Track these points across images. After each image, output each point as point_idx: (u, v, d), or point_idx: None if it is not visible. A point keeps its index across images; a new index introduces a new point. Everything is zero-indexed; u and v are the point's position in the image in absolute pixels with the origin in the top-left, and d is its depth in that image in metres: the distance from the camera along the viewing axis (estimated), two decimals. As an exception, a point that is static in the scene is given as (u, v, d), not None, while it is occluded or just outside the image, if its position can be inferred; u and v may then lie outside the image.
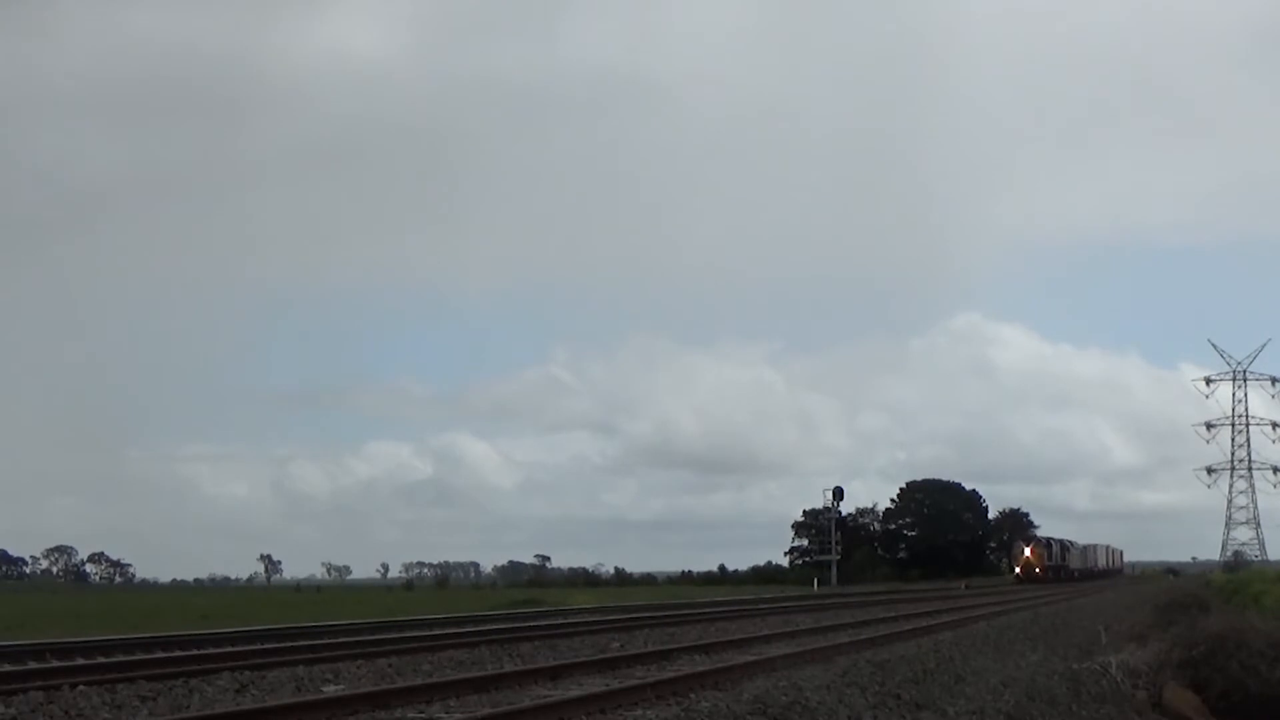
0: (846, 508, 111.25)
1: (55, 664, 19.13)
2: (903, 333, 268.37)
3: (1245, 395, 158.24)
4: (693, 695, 14.95)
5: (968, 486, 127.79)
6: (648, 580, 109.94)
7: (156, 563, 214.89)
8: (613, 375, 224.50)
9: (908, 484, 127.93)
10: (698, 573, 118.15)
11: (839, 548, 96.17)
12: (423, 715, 13.41)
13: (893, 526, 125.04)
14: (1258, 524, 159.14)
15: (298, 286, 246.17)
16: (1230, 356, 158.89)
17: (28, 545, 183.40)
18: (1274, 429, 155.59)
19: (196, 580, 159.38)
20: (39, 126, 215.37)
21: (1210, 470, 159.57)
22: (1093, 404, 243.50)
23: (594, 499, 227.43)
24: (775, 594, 63.07)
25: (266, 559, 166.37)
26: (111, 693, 14.97)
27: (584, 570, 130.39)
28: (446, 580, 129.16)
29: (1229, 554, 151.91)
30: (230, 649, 21.70)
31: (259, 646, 22.52)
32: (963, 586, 79.38)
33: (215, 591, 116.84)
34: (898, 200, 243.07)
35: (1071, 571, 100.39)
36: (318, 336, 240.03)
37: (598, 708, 13.63)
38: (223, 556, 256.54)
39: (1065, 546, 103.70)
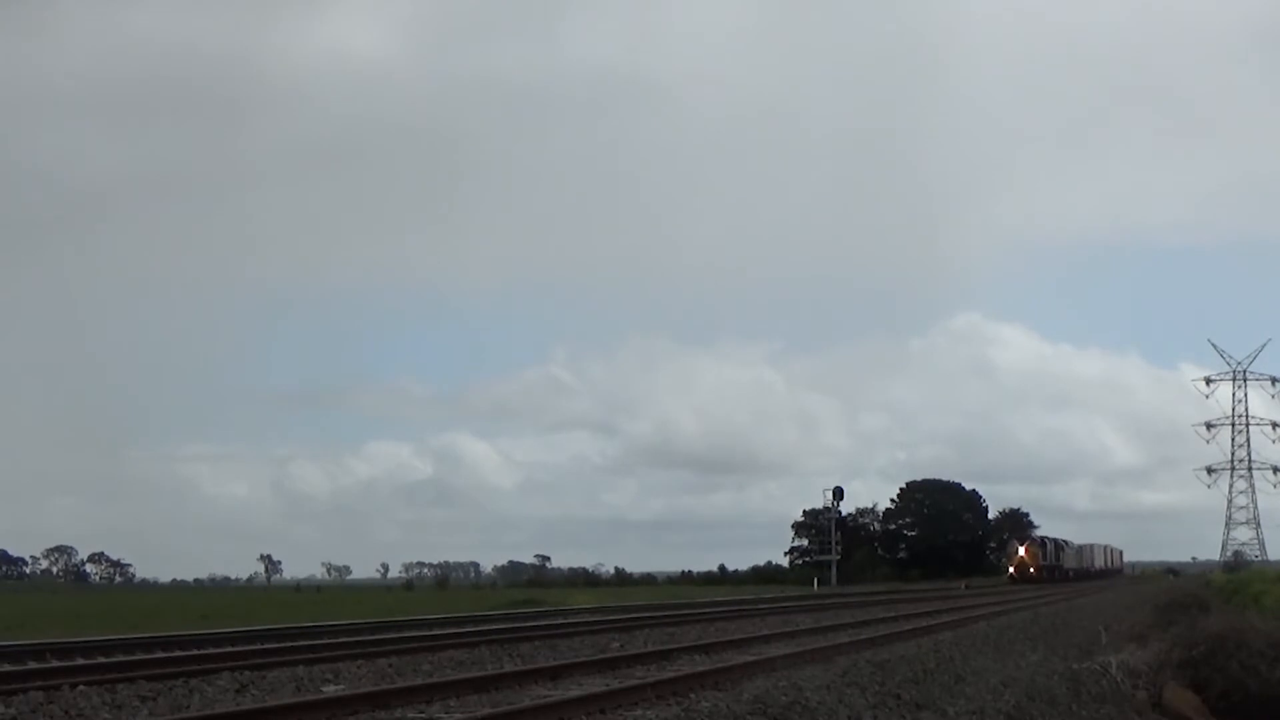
0: (846, 508, 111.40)
1: (55, 664, 19.13)
2: (903, 333, 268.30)
3: (1245, 395, 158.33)
4: (693, 695, 14.95)
5: (968, 486, 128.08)
6: (648, 580, 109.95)
7: (156, 563, 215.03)
8: (613, 375, 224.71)
9: (908, 484, 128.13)
10: (698, 573, 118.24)
11: (839, 548, 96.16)
12: (423, 715, 13.41)
13: (893, 526, 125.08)
14: (1258, 524, 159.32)
15: (298, 286, 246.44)
16: (1230, 356, 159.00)
17: (28, 545, 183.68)
18: (1274, 429, 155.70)
19: (196, 580, 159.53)
20: (39, 126, 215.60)
21: (1210, 470, 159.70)
22: (1093, 404, 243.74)
23: (594, 499, 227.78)
24: (775, 594, 63.07)
25: (266, 559, 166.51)
26: (111, 693, 14.97)
27: (584, 570, 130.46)
28: (446, 580, 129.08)
29: (1229, 554, 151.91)
30: (230, 649, 21.70)
31: (259, 646, 22.51)
32: (963, 587, 79.41)
33: (215, 591, 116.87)
34: (898, 200, 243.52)
35: (1066, 572, 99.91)
36: (318, 336, 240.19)
37: (598, 708, 13.62)
38: (223, 556, 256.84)
39: (1060, 546, 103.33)
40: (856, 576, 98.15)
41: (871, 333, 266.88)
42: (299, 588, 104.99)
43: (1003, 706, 15.54)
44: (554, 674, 17.04)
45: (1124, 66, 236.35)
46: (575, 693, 14.63)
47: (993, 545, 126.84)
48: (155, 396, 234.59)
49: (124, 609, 48.90)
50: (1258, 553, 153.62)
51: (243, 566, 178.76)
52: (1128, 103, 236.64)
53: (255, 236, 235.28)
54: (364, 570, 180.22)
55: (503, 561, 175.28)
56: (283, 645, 22.62)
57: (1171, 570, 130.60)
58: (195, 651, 20.98)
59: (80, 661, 19.65)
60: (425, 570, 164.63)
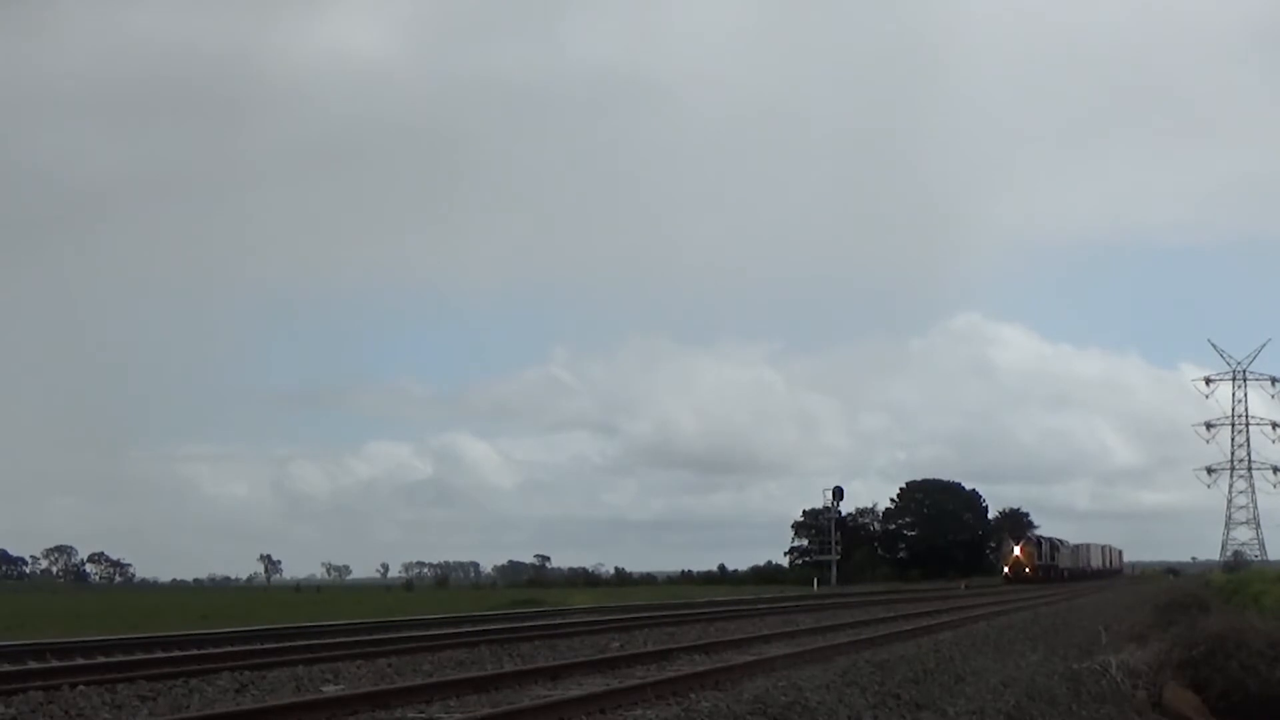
0: (846, 508, 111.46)
1: (55, 664, 19.13)
2: (903, 333, 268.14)
3: (1245, 395, 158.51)
4: (693, 695, 14.95)
5: (968, 486, 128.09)
6: (648, 580, 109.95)
7: (156, 563, 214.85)
8: (613, 375, 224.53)
9: (908, 484, 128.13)
10: (698, 573, 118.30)
11: (839, 548, 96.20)
12: (423, 715, 13.41)
13: (893, 526, 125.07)
14: (1258, 524, 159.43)
15: (298, 286, 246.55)
16: (1230, 356, 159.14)
17: (28, 545, 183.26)
18: (1274, 429, 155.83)
19: (196, 580, 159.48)
20: (39, 126, 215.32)
21: (1210, 470, 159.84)
22: (1093, 404, 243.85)
23: (594, 499, 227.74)
24: (775, 594, 63.07)
25: (266, 559, 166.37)
26: (111, 693, 14.97)
27: (584, 570, 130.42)
28: (446, 580, 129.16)
29: (1229, 554, 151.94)
30: (230, 649, 21.70)
31: (259, 646, 22.52)
32: (962, 586, 79.41)
33: (215, 591, 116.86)
34: (898, 200, 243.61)
35: (1061, 571, 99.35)
36: (318, 336, 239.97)
37: (598, 708, 13.62)
38: (223, 556, 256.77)
39: (1055, 545, 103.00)
40: (856, 576, 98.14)
41: (871, 333, 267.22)
42: (299, 588, 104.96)
43: (1003, 706, 15.53)
44: (554, 674, 17.04)
45: (1124, 66, 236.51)
46: (575, 693, 14.63)
47: (992, 545, 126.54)
48: (155, 396, 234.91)
49: (124, 609, 48.90)
50: (1258, 553, 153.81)
51: (243, 566, 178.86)
52: (1128, 103, 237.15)
53: (255, 237, 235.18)
54: (364, 570, 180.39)
55: (503, 561, 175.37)
56: (282, 645, 22.62)
57: (1171, 570, 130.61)
58: (195, 651, 20.98)
59: (80, 661, 19.65)
60: (425, 570, 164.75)
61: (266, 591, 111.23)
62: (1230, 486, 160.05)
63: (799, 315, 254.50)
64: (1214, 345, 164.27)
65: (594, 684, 15.95)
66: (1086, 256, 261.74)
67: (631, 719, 13.26)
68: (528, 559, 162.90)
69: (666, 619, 32.52)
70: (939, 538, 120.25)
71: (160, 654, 20.88)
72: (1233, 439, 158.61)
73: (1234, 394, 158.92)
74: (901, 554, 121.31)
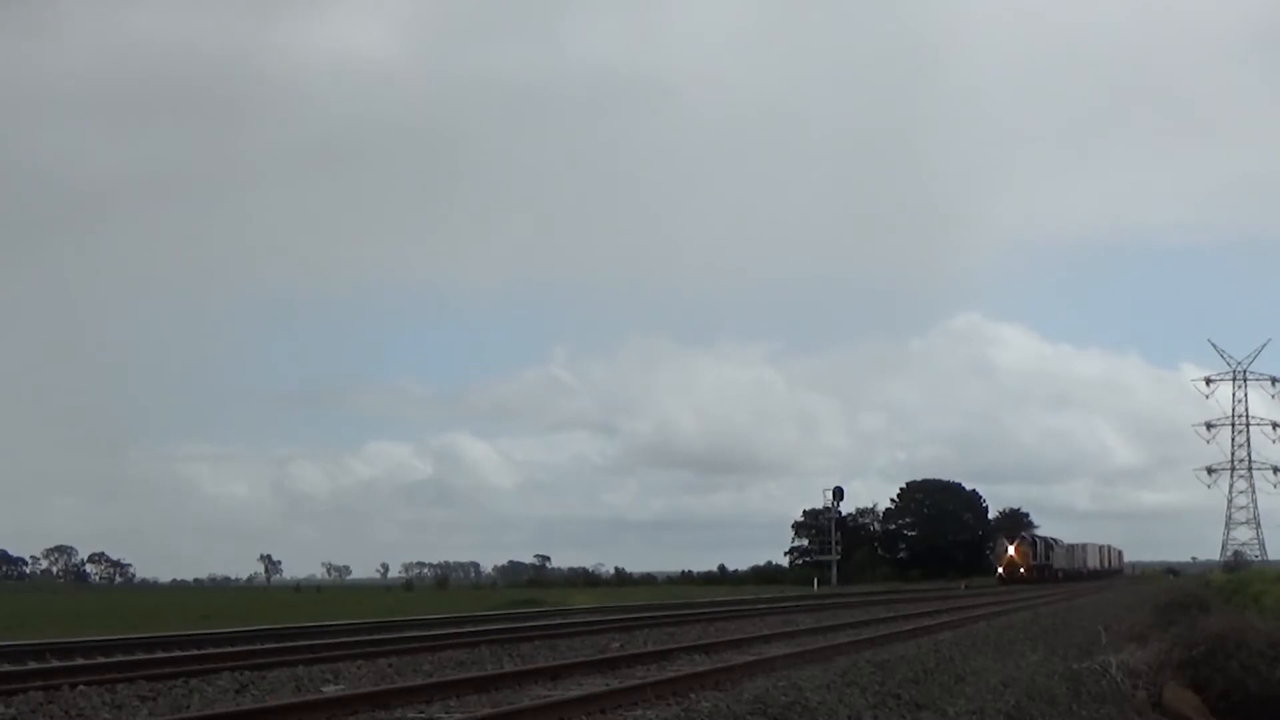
0: (846, 508, 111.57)
1: (55, 664, 19.13)
2: (903, 333, 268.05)
3: (1245, 395, 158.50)
4: (693, 695, 14.95)
5: (968, 486, 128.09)
6: (648, 580, 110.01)
7: (156, 563, 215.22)
8: (613, 375, 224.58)
9: (908, 484, 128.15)
10: (698, 573, 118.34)
11: (839, 548, 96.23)
12: (423, 715, 13.41)
13: (893, 526, 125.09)
14: (1258, 524, 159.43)
15: (298, 286, 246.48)
16: (1230, 356, 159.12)
17: (28, 545, 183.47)
18: (1274, 429, 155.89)
19: (196, 580, 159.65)
20: (39, 126, 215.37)
21: (1210, 470, 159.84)
22: (1093, 404, 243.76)
23: (594, 499, 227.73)
24: (775, 594, 63.08)
25: (266, 559, 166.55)
26: (111, 693, 14.97)
27: (584, 570, 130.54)
28: (446, 580, 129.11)
29: (1229, 554, 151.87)
30: (230, 649, 21.69)
31: (259, 646, 22.51)
32: (962, 587, 79.42)
33: (215, 591, 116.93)
34: (898, 200, 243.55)
35: (1055, 572, 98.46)
36: (318, 337, 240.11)
37: (598, 708, 13.62)
38: (223, 556, 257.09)
39: (1050, 545, 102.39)
40: (856, 576, 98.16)
41: (871, 333, 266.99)
42: (299, 588, 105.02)
43: (1003, 706, 15.54)
44: (554, 674, 17.04)
45: (1124, 66, 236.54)
46: (575, 693, 14.63)
47: (992, 545, 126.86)
48: (155, 396, 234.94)
49: (124, 609, 48.92)
50: (1258, 553, 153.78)
51: (243, 566, 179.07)
52: (1128, 103, 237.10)
53: (255, 237, 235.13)
54: (364, 570, 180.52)
55: (503, 561, 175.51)
56: (283, 645, 22.62)
57: (1171, 570, 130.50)
58: (195, 651, 20.98)
59: (80, 661, 19.65)
60: (425, 570, 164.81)
61: (266, 592, 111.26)
62: (1230, 486, 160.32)
63: (799, 315, 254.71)
64: (1214, 345, 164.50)
65: (594, 684, 15.95)
66: (1086, 256, 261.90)
67: (631, 719, 13.26)
68: (528, 559, 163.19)
69: (666, 619, 32.52)
70: (939, 538, 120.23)
71: (160, 654, 20.87)
72: (1233, 439, 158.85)
73: (1234, 394, 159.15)
74: (901, 554, 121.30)
